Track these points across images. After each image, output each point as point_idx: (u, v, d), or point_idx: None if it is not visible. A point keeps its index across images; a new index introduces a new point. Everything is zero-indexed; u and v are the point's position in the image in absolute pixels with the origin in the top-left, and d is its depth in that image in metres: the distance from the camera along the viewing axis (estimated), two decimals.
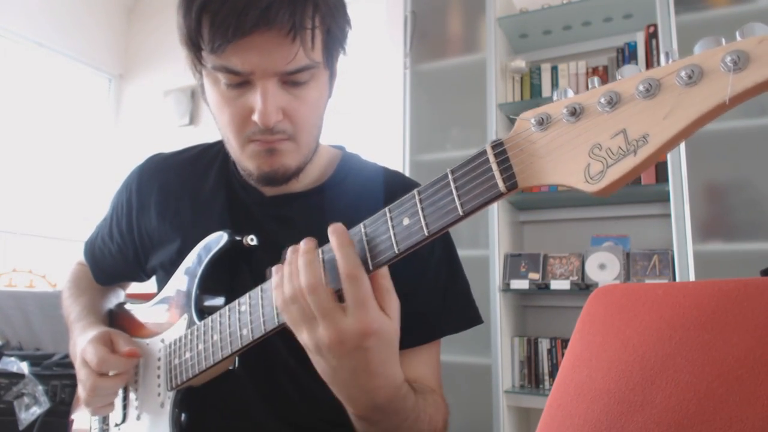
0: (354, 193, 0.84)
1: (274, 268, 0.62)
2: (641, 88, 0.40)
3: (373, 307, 0.56)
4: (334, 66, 0.79)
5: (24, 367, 1.90)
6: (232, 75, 0.70)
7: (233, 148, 0.77)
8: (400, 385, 0.62)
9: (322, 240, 0.60)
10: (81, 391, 0.84)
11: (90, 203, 3.53)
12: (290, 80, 0.71)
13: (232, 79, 0.71)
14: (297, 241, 0.71)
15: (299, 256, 0.58)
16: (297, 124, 0.74)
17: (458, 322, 0.83)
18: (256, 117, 0.70)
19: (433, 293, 0.82)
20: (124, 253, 0.97)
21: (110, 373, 0.81)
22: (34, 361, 1.98)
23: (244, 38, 0.66)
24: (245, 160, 0.77)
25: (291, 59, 0.68)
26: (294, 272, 0.58)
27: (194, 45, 0.71)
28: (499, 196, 0.46)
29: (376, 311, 0.56)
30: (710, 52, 0.37)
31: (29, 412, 1.82)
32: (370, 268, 0.55)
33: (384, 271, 0.58)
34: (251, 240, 0.79)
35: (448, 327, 0.83)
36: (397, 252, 0.52)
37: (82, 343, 0.84)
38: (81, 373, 0.83)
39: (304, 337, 0.58)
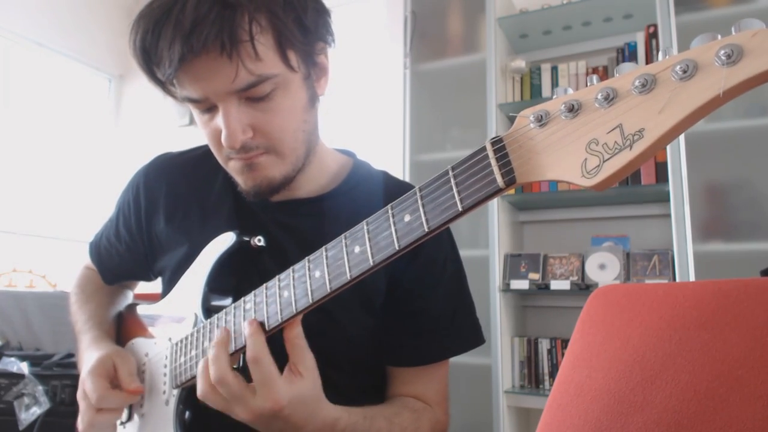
0: (360, 202, 0.83)
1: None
2: (637, 83, 0.40)
3: (278, 383, 0.61)
4: (311, 65, 0.75)
5: (24, 367, 1.90)
6: (194, 103, 0.70)
7: (221, 164, 0.79)
8: (333, 424, 0.66)
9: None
10: (80, 423, 0.82)
11: (90, 203, 3.53)
12: (249, 96, 0.69)
13: (197, 107, 0.71)
14: (300, 247, 0.71)
15: (210, 349, 0.64)
16: (271, 136, 0.72)
17: (465, 343, 0.83)
18: (222, 140, 0.70)
19: (442, 313, 0.82)
20: (133, 252, 0.96)
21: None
22: (34, 361, 1.98)
23: (182, 68, 0.65)
24: (233, 175, 0.78)
25: (233, 78, 0.66)
26: (204, 368, 0.64)
27: (156, 81, 0.72)
28: (497, 191, 0.47)
29: (282, 385, 0.61)
30: (705, 46, 0.38)
31: (29, 412, 1.82)
32: (371, 263, 0.55)
33: (298, 331, 0.63)
34: (259, 241, 0.79)
35: (454, 347, 0.83)
36: (397, 248, 0.53)
37: (84, 371, 0.82)
38: (81, 404, 0.82)
39: (233, 417, 0.63)
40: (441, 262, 0.83)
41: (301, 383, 0.62)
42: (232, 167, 0.76)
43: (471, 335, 0.84)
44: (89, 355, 0.85)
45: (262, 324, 0.64)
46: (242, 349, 0.66)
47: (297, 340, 0.63)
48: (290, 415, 0.61)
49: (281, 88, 0.70)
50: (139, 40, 0.67)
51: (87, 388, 0.79)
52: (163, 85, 0.71)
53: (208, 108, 0.71)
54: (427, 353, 0.81)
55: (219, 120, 0.69)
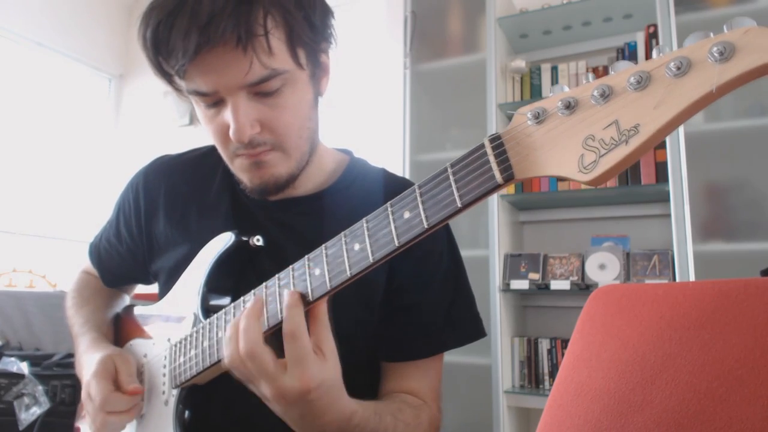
0: (358, 198, 0.83)
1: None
2: (632, 80, 0.41)
3: (312, 363, 0.57)
4: (316, 64, 0.76)
5: (24, 367, 1.90)
6: (202, 96, 0.70)
7: (226, 162, 0.78)
8: (350, 416, 0.63)
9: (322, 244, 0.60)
10: (90, 425, 0.82)
11: (90, 203, 3.53)
12: (259, 91, 0.69)
13: (204, 100, 0.71)
14: (299, 246, 0.71)
15: (241, 319, 0.60)
16: (278, 133, 0.73)
17: (461, 337, 0.83)
18: (230, 134, 0.70)
19: (438, 307, 0.82)
20: (133, 253, 0.96)
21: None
22: (34, 361, 1.98)
23: (195, 60, 0.65)
24: (237, 173, 0.78)
25: (247, 71, 0.66)
26: (233, 336, 0.60)
27: (163, 74, 0.71)
28: (496, 187, 0.47)
29: (315, 366, 0.57)
30: (698, 44, 0.39)
31: (29, 412, 1.82)
32: (371, 260, 0.55)
33: (324, 308, 0.60)
34: (257, 240, 0.79)
35: (450, 341, 0.82)
36: (397, 245, 0.53)
37: (87, 374, 0.81)
38: (88, 407, 0.81)
39: (253, 390, 0.60)
40: (437, 256, 0.83)
41: (328, 367, 0.59)
42: (239, 165, 0.76)
43: (468, 329, 0.84)
44: (89, 357, 0.85)
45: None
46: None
47: (323, 316, 0.59)
48: (315, 401, 0.58)
49: (289, 84, 0.71)
50: (150, 31, 0.67)
51: (92, 390, 0.79)
52: (170, 78, 0.71)
53: (215, 102, 0.71)
54: (422, 347, 0.81)
55: (227, 114, 0.69)
